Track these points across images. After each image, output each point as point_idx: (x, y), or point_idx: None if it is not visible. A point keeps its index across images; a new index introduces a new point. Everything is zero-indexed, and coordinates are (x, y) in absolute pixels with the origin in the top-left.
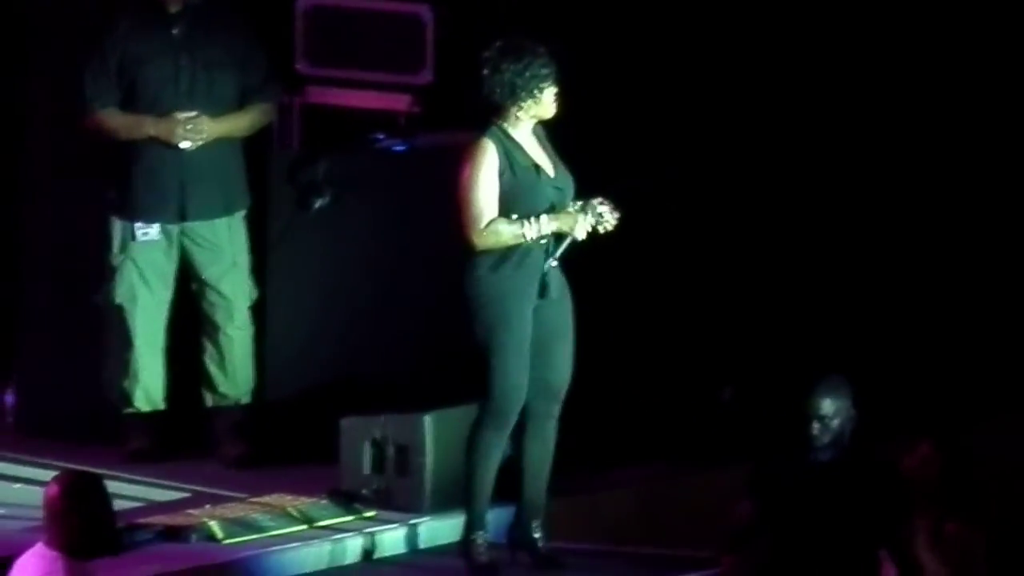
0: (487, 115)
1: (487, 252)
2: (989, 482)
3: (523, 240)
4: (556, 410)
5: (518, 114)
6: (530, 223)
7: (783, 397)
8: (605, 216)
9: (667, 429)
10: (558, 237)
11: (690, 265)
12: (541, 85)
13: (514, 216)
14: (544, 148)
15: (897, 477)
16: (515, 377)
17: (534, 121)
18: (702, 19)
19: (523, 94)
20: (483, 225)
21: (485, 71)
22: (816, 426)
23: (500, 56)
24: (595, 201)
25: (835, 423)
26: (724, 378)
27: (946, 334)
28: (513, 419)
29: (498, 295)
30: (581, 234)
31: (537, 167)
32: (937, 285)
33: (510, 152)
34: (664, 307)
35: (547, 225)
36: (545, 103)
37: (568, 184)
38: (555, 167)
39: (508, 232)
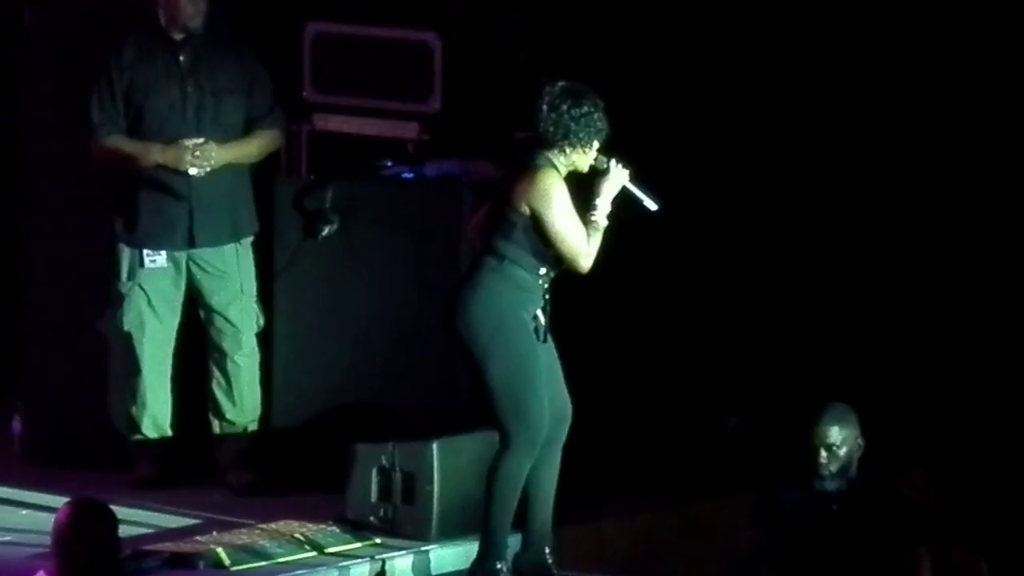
0: (518, 144)
1: (505, 286)
2: (990, 507)
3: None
4: (565, 436)
5: (561, 158)
6: (596, 214)
7: (790, 425)
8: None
9: (673, 458)
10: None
11: (696, 293)
12: (593, 138)
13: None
14: None
15: (903, 505)
16: (543, 402)
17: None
18: (706, 40)
19: (574, 139)
20: (586, 247)
21: (543, 106)
22: (824, 455)
23: (561, 95)
24: (602, 157)
25: (843, 452)
26: (730, 407)
27: (948, 362)
28: (540, 444)
29: (514, 325)
30: (624, 177)
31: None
32: (940, 311)
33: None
34: (670, 336)
35: (604, 204)
36: (587, 157)
37: None
38: None
39: (598, 240)
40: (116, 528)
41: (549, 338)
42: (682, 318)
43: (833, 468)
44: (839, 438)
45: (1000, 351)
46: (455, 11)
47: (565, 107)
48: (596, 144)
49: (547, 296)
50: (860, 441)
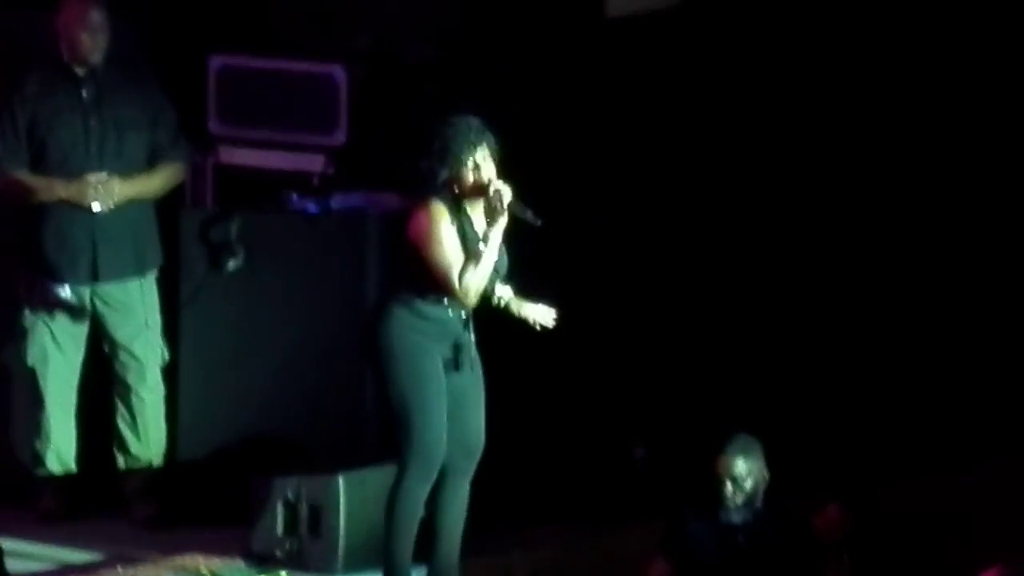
0: (417, 180)
1: (406, 314)
2: (899, 540)
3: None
4: (472, 468)
5: (446, 186)
6: (482, 249)
7: (696, 457)
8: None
9: (581, 488)
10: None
11: (600, 325)
12: (461, 157)
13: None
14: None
15: (809, 536)
16: (437, 429)
17: (479, 198)
18: (617, 61)
19: (445, 163)
20: (456, 281)
21: (435, 144)
22: (729, 486)
23: (443, 128)
24: (494, 188)
25: (748, 483)
26: (637, 437)
27: (856, 394)
28: (436, 471)
29: (411, 351)
30: (508, 196)
31: (480, 240)
32: (846, 343)
33: (457, 219)
34: (576, 366)
35: (494, 237)
36: (470, 177)
37: (504, 266)
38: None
39: (481, 273)
40: (3, 561)
41: (473, 369)
42: (587, 349)
43: (739, 499)
44: (744, 469)
45: (904, 382)
46: (360, 45)
47: (435, 139)
48: (472, 162)
49: (468, 326)
50: (765, 473)
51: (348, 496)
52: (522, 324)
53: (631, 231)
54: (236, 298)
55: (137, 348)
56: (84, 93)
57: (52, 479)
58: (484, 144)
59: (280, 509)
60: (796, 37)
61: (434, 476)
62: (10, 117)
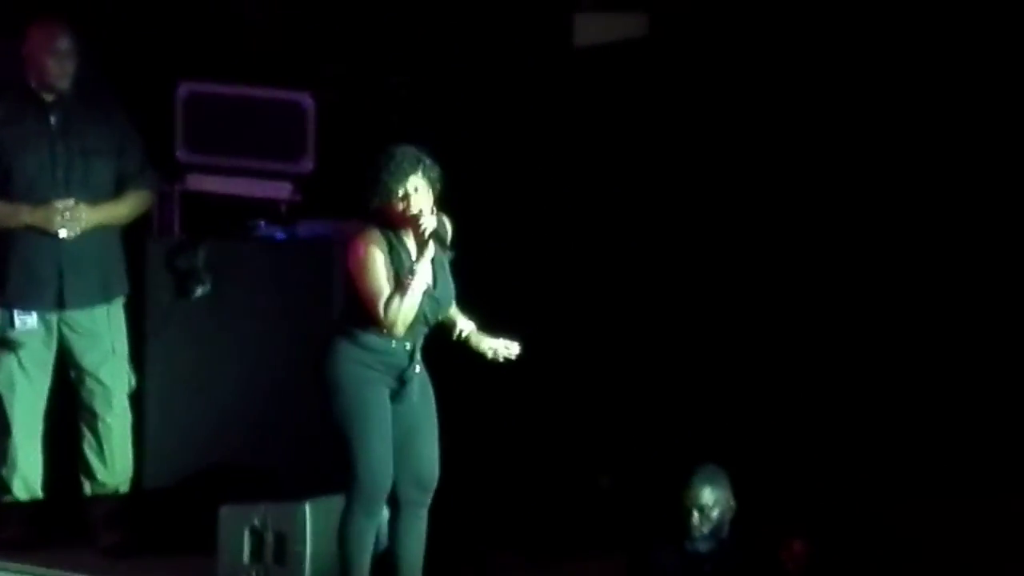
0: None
1: (348, 346)
2: (863, 571)
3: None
4: (427, 499)
5: (387, 214)
6: (410, 279)
7: (662, 486)
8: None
9: (545, 518)
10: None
11: (566, 353)
12: (388, 187)
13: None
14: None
15: (775, 566)
16: (379, 461)
17: (409, 228)
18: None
19: (373, 193)
20: (382, 308)
21: (369, 172)
22: (696, 516)
23: (380, 156)
24: (414, 217)
25: (714, 513)
26: (602, 466)
27: (823, 424)
28: (381, 503)
29: (354, 383)
30: (432, 225)
31: (413, 273)
32: (812, 373)
33: (395, 248)
34: (541, 394)
35: (423, 268)
36: (399, 206)
37: (447, 298)
38: (437, 277)
39: (408, 303)
40: None
41: (423, 400)
42: (552, 377)
43: (705, 529)
44: (711, 499)
45: (871, 412)
46: (329, 72)
47: (381, 163)
48: (403, 191)
49: (414, 357)
50: (731, 502)
51: (314, 524)
52: (483, 359)
53: (594, 259)
54: (203, 325)
55: (103, 375)
56: (51, 120)
57: (18, 506)
58: (418, 174)
59: (246, 536)
60: (761, 63)
61: (379, 508)
62: None
